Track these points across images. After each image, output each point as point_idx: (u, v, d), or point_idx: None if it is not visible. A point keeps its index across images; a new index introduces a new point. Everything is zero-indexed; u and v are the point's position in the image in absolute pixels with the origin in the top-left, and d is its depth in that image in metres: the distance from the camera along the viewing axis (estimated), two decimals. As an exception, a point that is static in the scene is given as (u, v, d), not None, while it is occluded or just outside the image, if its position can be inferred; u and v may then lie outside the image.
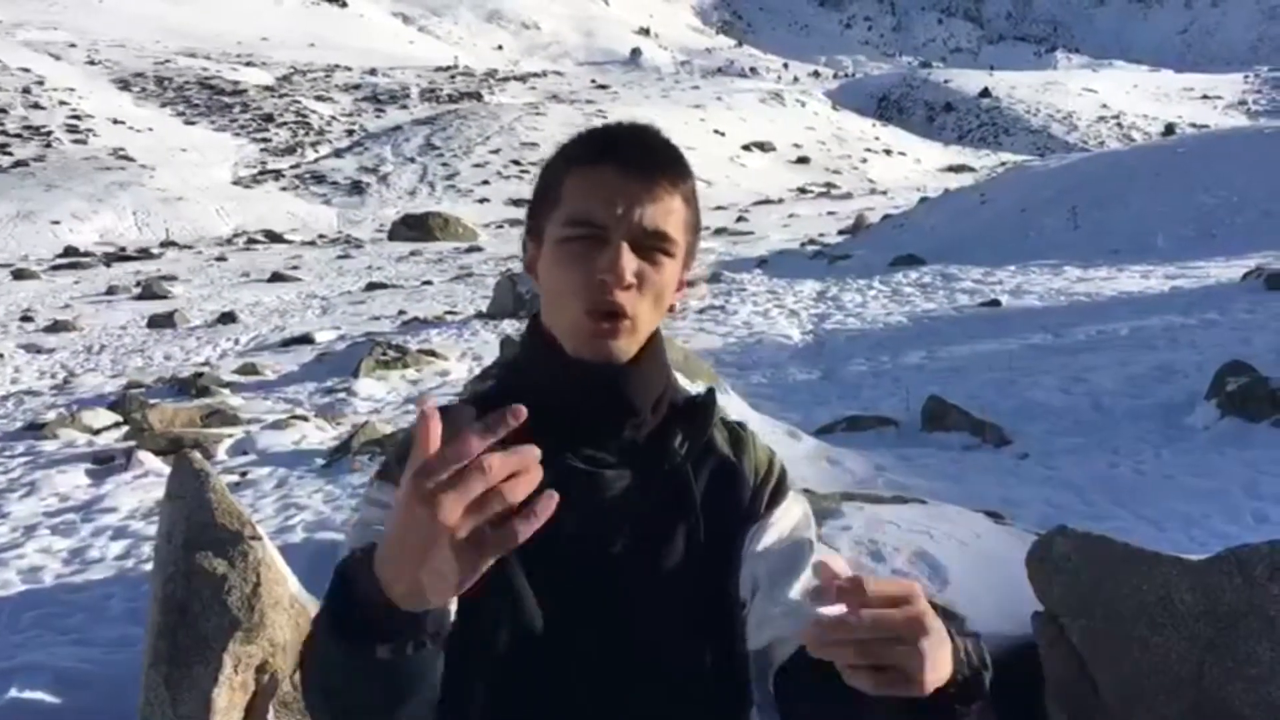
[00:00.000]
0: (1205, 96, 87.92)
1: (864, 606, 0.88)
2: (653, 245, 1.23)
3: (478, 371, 10.62)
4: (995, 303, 13.44)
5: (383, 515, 1.16)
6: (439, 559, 0.86)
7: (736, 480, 1.33)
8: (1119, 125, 78.06)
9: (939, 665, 0.91)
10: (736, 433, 1.38)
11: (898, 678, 0.89)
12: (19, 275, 28.80)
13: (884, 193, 50.32)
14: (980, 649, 1.00)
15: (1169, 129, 66.75)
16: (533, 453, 0.89)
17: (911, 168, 66.62)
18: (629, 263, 1.20)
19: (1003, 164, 55.56)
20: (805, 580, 1.26)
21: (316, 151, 63.04)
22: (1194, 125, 67.62)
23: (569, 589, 1.23)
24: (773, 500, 1.34)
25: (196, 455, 3.02)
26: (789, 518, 1.34)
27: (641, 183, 1.22)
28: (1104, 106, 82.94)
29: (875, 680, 0.88)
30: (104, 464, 8.46)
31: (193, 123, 66.83)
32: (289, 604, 2.89)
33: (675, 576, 1.26)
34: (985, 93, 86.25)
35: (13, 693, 3.88)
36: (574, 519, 1.19)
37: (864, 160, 68.20)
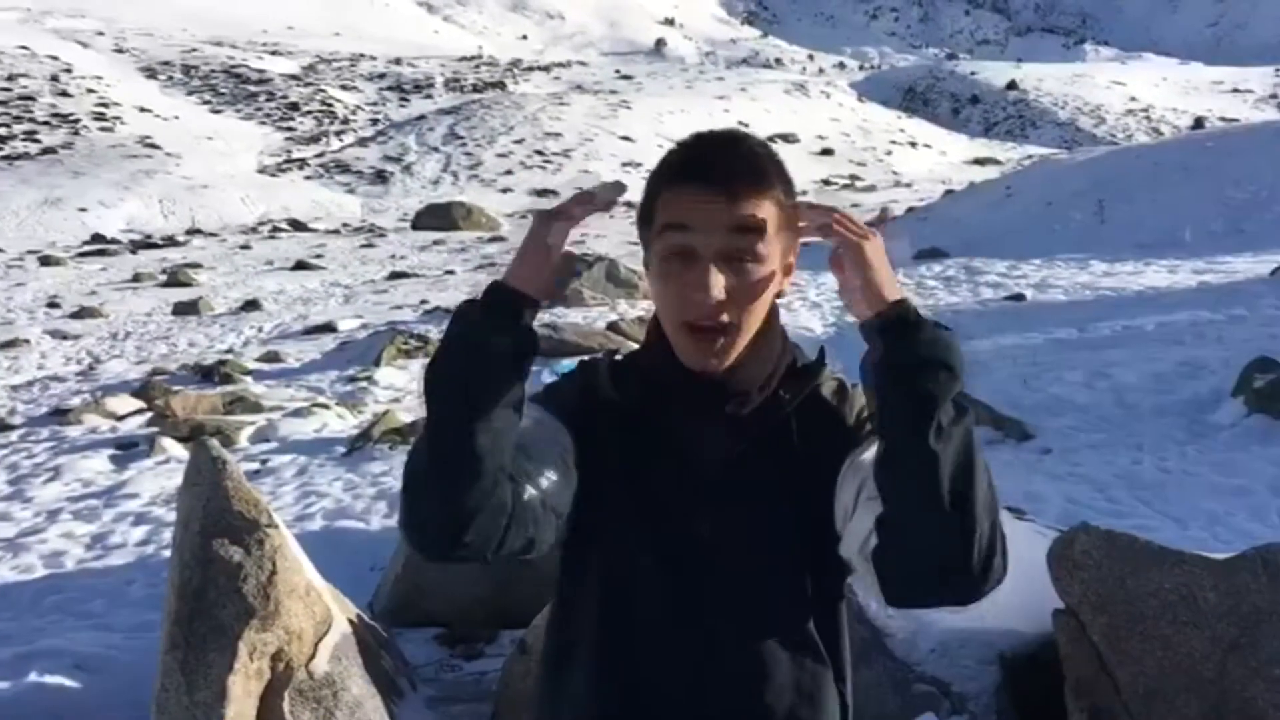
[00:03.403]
0: (1236, 90, 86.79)
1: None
2: (742, 255, 1.34)
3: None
4: (1020, 297, 13.31)
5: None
6: (542, 261, 1.30)
7: (836, 421, 1.45)
8: (1148, 118, 77.21)
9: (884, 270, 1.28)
10: (844, 387, 1.50)
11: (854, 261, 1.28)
12: (46, 261, 28.95)
13: (909, 185, 49.97)
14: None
15: (1198, 122, 66.05)
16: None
17: (937, 160, 66.02)
18: (716, 280, 1.32)
19: (1029, 157, 55.01)
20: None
21: (341, 140, 63.11)
22: (1224, 119, 66.75)
23: (671, 529, 1.39)
24: (872, 432, 1.45)
25: (214, 443, 3.02)
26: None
27: (726, 199, 1.33)
28: (1133, 99, 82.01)
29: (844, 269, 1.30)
30: (127, 450, 8.52)
31: (219, 111, 67.03)
32: (304, 592, 2.89)
33: (774, 511, 1.40)
34: (1012, 85, 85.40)
35: (33, 676, 3.91)
36: (681, 467, 1.41)
37: (889, 153, 67.59)
